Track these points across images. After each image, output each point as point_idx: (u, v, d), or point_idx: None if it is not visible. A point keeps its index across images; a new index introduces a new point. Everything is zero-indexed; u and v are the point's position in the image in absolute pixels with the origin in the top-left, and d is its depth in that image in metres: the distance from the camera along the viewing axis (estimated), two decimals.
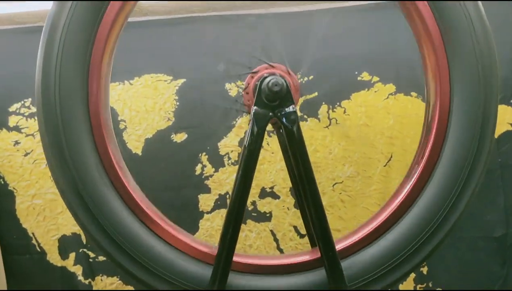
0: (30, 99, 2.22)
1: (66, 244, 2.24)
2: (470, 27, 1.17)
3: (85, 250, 2.24)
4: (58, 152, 1.16)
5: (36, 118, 2.24)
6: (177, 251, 1.26)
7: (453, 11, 1.17)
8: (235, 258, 1.28)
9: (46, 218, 2.24)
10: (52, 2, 1.18)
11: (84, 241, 2.24)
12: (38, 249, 2.26)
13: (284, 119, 1.22)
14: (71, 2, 1.14)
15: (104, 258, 2.23)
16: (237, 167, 2.29)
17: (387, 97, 2.20)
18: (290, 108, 1.22)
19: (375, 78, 2.20)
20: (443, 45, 1.19)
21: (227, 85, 2.23)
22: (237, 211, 1.24)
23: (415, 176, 1.27)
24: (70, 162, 1.16)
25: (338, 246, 1.29)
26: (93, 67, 1.17)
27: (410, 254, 1.24)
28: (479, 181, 1.22)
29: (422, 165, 1.26)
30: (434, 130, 1.25)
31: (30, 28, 2.21)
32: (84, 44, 1.16)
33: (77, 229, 2.23)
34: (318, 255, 1.28)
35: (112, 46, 1.22)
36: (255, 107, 1.22)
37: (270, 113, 1.22)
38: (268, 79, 1.21)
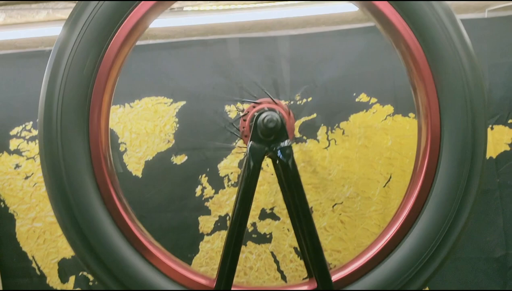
0: (31, 122, 2.24)
1: (66, 267, 2.24)
2: (460, 70, 1.20)
3: (85, 273, 2.23)
4: (57, 182, 1.17)
5: (36, 141, 2.26)
6: (176, 284, 1.26)
7: (444, 51, 1.20)
8: (233, 288, 1.29)
9: (46, 241, 2.24)
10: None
11: None
12: (38, 272, 2.25)
13: (279, 154, 1.26)
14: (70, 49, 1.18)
15: None
16: (237, 188, 2.33)
17: (385, 119, 2.21)
18: (285, 143, 1.26)
19: (373, 100, 2.22)
20: (434, 87, 1.22)
21: (227, 107, 2.25)
22: (235, 243, 1.26)
23: (407, 208, 1.28)
24: (69, 191, 1.17)
25: (335, 277, 1.29)
26: (95, 98, 1.19)
27: (406, 283, 1.25)
28: (472, 209, 1.23)
29: (414, 196, 1.27)
30: (426, 163, 1.26)
31: (31, 52, 2.24)
32: (87, 79, 1.18)
33: None
34: (315, 285, 1.29)
35: (115, 78, 1.24)
36: (251, 142, 1.27)
37: (266, 148, 1.27)
38: (263, 115, 1.25)
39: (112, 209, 1.21)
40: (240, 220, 1.26)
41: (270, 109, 1.31)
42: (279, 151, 1.26)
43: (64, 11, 1.80)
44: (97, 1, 1.19)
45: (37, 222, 2.24)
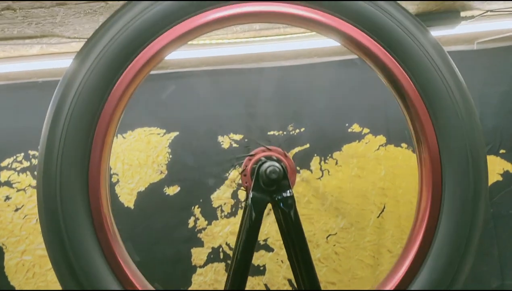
0: (22, 154, 2.22)
1: None
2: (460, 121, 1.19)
3: None
4: (55, 226, 1.14)
5: (27, 173, 2.24)
6: None
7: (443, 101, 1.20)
8: None
9: (36, 274, 2.20)
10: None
11: None
12: None
13: (281, 204, 1.24)
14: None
15: None
16: (231, 219, 2.31)
17: (378, 149, 2.22)
18: (287, 193, 1.24)
19: (366, 130, 2.23)
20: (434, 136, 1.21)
21: (220, 138, 2.25)
22: None
23: (414, 250, 1.25)
24: (66, 238, 1.14)
25: None
26: (98, 135, 1.16)
27: None
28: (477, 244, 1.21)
29: (417, 245, 1.24)
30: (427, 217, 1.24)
31: (24, 84, 2.25)
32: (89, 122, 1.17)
33: None
34: None
35: (119, 117, 1.22)
36: (252, 192, 1.24)
37: (268, 198, 1.25)
38: (266, 165, 1.23)
39: (109, 255, 1.17)
40: (241, 272, 1.23)
41: (269, 158, 1.29)
42: (281, 202, 1.24)
43: (58, 46, 1.81)
44: (111, 37, 1.16)
45: (26, 255, 2.20)
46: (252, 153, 1.34)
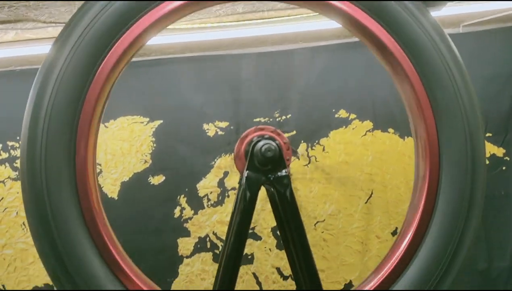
0: (0, 145, 2.15)
1: None
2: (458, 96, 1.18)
3: None
4: (40, 213, 1.10)
5: (6, 165, 2.17)
6: None
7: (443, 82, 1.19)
8: None
9: (17, 268, 2.14)
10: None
11: None
12: None
13: (276, 184, 1.21)
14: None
15: None
16: (217, 208, 2.28)
17: (365, 134, 2.20)
18: (282, 173, 1.21)
19: (353, 116, 2.21)
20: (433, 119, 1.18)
21: (205, 126, 2.20)
22: (230, 278, 1.18)
23: (408, 236, 1.23)
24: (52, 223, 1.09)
25: None
26: (83, 121, 1.12)
27: None
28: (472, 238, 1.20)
29: (412, 231, 1.22)
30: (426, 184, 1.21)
31: (1, 73, 2.17)
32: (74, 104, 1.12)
33: (49, 280, 2.13)
34: None
35: (104, 101, 1.17)
36: (247, 171, 1.21)
37: (263, 178, 1.21)
38: (260, 144, 1.20)
39: (98, 240, 1.13)
40: (235, 255, 1.19)
41: (262, 137, 1.25)
42: (276, 182, 1.21)
43: (34, 31, 1.74)
44: (89, 21, 1.11)
45: (7, 249, 2.14)
46: (243, 135, 1.31)
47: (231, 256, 1.19)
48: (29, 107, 1.12)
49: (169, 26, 1.90)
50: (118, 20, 1.13)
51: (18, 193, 2.11)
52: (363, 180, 2.19)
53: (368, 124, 2.20)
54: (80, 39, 1.11)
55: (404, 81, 1.18)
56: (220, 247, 2.14)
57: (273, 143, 1.20)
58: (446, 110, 1.16)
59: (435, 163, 1.17)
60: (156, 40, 2.00)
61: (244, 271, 2.17)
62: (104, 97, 1.16)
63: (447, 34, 1.20)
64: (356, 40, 2.22)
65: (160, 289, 1.24)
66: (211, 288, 1.26)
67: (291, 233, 1.22)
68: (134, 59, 2.25)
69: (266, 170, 1.22)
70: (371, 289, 1.19)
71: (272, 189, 1.23)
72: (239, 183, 1.25)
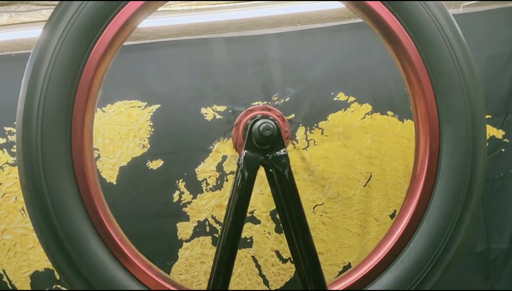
0: None
1: (38, 281, 2.15)
2: (459, 74, 1.17)
3: (58, 286, 2.15)
4: (37, 193, 1.10)
5: (4, 150, 2.16)
6: None
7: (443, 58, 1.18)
8: None
9: (17, 253, 2.15)
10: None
11: (58, 277, 2.14)
12: (10, 287, 2.15)
13: (275, 163, 1.20)
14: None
15: None
16: (216, 192, 2.28)
17: (364, 117, 2.19)
18: (281, 152, 1.20)
19: (351, 98, 2.19)
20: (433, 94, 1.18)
21: (203, 110, 2.19)
22: (227, 260, 1.18)
23: (406, 218, 1.23)
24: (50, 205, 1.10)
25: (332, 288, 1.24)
26: (78, 104, 1.11)
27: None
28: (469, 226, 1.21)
29: (410, 213, 1.22)
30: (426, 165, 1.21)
31: None
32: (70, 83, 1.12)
33: (50, 264, 2.14)
34: None
35: (99, 83, 1.17)
36: (245, 151, 1.20)
37: (261, 157, 1.20)
38: (259, 123, 1.19)
39: (95, 219, 1.14)
40: (233, 235, 1.18)
41: (265, 117, 1.24)
42: (274, 161, 1.20)
43: (28, 14, 1.71)
44: (81, 1, 1.10)
45: (7, 234, 2.14)
46: (251, 107, 1.30)
47: (229, 236, 1.19)
48: (23, 91, 1.12)
49: (165, 9, 1.89)
50: (108, 1, 1.13)
51: (16, 178, 2.10)
52: (361, 163, 2.18)
53: (367, 107, 2.18)
54: (72, 21, 1.11)
55: (403, 58, 1.17)
56: (219, 231, 2.14)
57: (272, 123, 1.19)
58: (447, 88, 1.16)
59: (435, 137, 1.17)
60: (152, 23, 1.98)
61: (244, 254, 2.18)
62: (99, 78, 1.17)
63: (448, 11, 1.19)
64: (354, 22, 2.20)
65: (162, 271, 1.25)
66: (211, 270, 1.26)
67: (290, 213, 1.21)
68: (130, 42, 2.25)
69: (265, 149, 1.21)
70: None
71: (270, 169, 1.23)
72: (237, 163, 1.25)
